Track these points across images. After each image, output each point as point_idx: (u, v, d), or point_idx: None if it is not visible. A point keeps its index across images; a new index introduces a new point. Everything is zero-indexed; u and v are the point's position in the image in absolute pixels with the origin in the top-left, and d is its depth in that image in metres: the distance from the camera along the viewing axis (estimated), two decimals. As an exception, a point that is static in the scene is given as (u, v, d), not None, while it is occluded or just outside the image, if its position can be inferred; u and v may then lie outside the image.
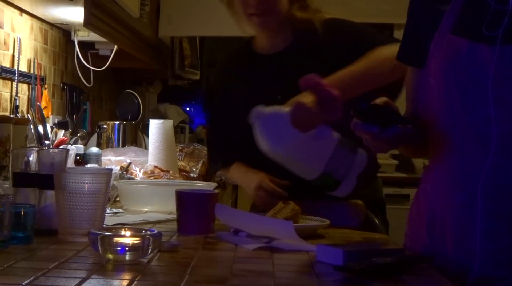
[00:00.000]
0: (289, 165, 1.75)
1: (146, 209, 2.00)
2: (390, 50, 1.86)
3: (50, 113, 2.87)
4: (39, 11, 2.76)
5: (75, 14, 2.74)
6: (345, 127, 1.68)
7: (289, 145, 1.65)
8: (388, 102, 1.39)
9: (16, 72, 2.59)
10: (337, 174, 1.68)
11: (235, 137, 2.07)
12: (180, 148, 3.09)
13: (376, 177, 2.11)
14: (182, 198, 1.60)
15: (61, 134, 2.69)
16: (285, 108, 1.67)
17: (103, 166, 2.67)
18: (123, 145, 3.28)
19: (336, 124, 1.68)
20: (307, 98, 1.68)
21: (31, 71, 2.77)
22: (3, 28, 2.49)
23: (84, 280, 1.05)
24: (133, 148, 3.02)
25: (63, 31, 3.22)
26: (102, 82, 3.98)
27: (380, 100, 1.39)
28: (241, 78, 2.09)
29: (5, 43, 2.52)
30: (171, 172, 2.63)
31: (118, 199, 2.14)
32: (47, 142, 2.51)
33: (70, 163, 2.38)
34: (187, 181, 2.69)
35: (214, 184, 2.25)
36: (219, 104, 2.15)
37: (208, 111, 2.24)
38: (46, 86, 2.92)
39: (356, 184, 1.70)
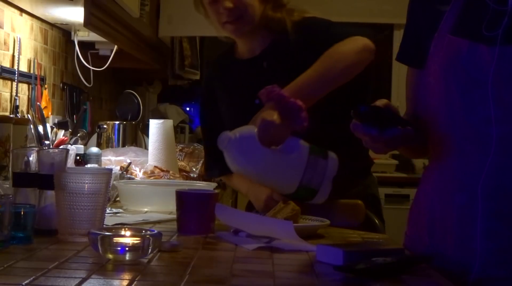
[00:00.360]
0: (266, 182, 1.75)
1: (146, 209, 2.00)
2: (347, 46, 1.84)
3: (50, 113, 2.87)
4: (39, 11, 2.76)
5: (75, 14, 2.74)
6: (312, 133, 1.67)
7: (261, 164, 1.64)
8: (388, 104, 1.40)
9: (16, 72, 2.59)
10: (313, 183, 1.67)
11: None
12: (180, 148, 3.09)
13: (369, 173, 2.10)
14: (182, 198, 1.60)
15: (61, 134, 2.69)
16: (252, 128, 1.65)
17: (103, 166, 2.67)
18: (123, 145, 3.28)
19: (303, 132, 1.65)
20: (271, 114, 1.65)
21: (31, 71, 2.77)
22: (3, 28, 2.49)
23: (84, 280, 1.05)
24: (133, 148, 3.02)
25: (63, 31, 3.22)
26: (102, 82, 3.98)
27: (380, 102, 1.39)
28: (223, 84, 2.08)
29: (5, 43, 2.52)
30: (171, 172, 2.63)
31: (118, 199, 2.14)
32: (47, 142, 2.51)
33: (70, 163, 2.38)
34: (187, 181, 2.69)
35: (214, 184, 2.25)
36: (208, 109, 2.14)
37: (200, 116, 2.22)
38: (46, 86, 2.92)
39: (332, 188, 1.69)
